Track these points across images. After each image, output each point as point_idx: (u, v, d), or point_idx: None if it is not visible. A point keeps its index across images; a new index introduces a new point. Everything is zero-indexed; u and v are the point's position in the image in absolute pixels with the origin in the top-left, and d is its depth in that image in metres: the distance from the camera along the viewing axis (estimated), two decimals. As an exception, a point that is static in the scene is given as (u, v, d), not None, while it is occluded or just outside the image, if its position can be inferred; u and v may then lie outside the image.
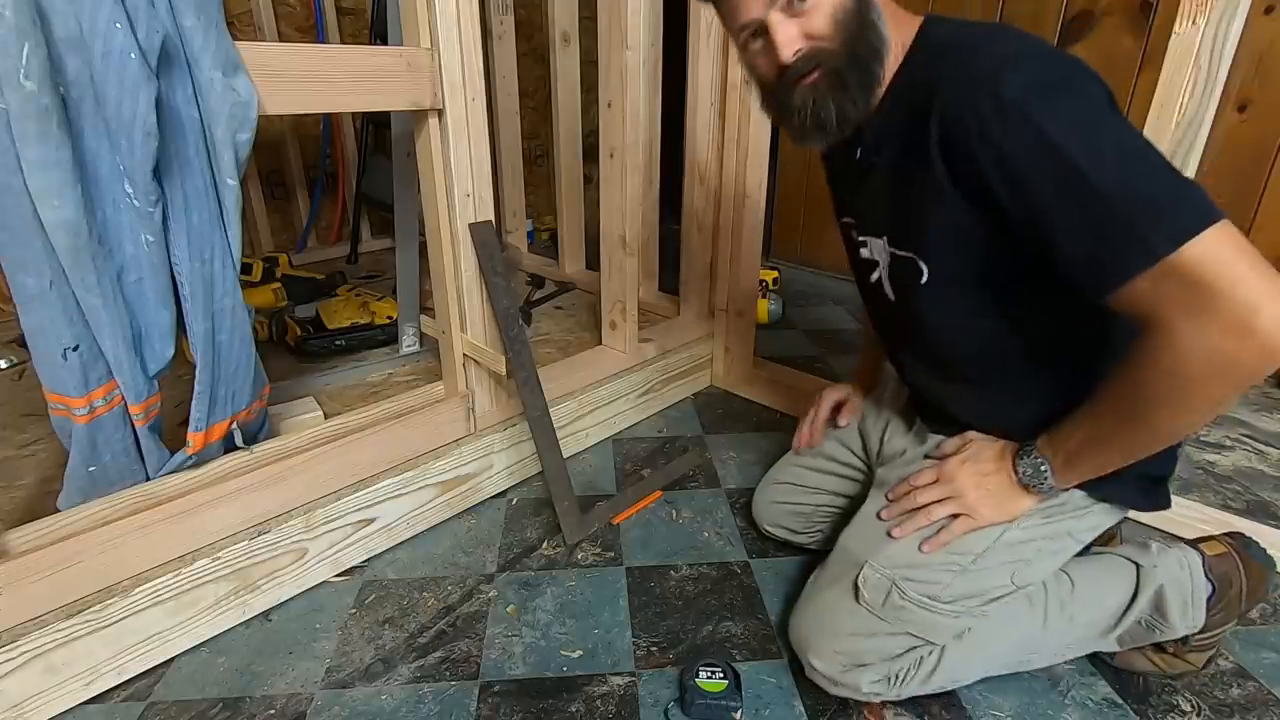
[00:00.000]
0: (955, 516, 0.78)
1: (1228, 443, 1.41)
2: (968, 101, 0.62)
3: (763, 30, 0.70)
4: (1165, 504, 0.81)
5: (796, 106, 0.71)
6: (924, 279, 0.74)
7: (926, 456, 0.87)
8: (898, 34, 0.71)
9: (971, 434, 0.83)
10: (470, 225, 1.05)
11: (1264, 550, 0.88)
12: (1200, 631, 0.84)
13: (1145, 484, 0.79)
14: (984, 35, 0.67)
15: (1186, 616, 0.82)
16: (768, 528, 1.10)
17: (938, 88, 0.65)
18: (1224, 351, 0.56)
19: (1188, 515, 1.12)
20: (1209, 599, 0.83)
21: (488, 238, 1.08)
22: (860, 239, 0.83)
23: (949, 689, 0.83)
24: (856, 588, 0.79)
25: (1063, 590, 0.83)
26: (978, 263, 0.71)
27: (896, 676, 0.79)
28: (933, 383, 0.87)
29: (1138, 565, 0.84)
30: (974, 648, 0.80)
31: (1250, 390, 1.65)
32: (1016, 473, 0.76)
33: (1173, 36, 0.91)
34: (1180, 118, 0.93)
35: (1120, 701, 0.85)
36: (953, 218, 0.68)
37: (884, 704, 0.83)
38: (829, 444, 1.06)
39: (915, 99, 0.68)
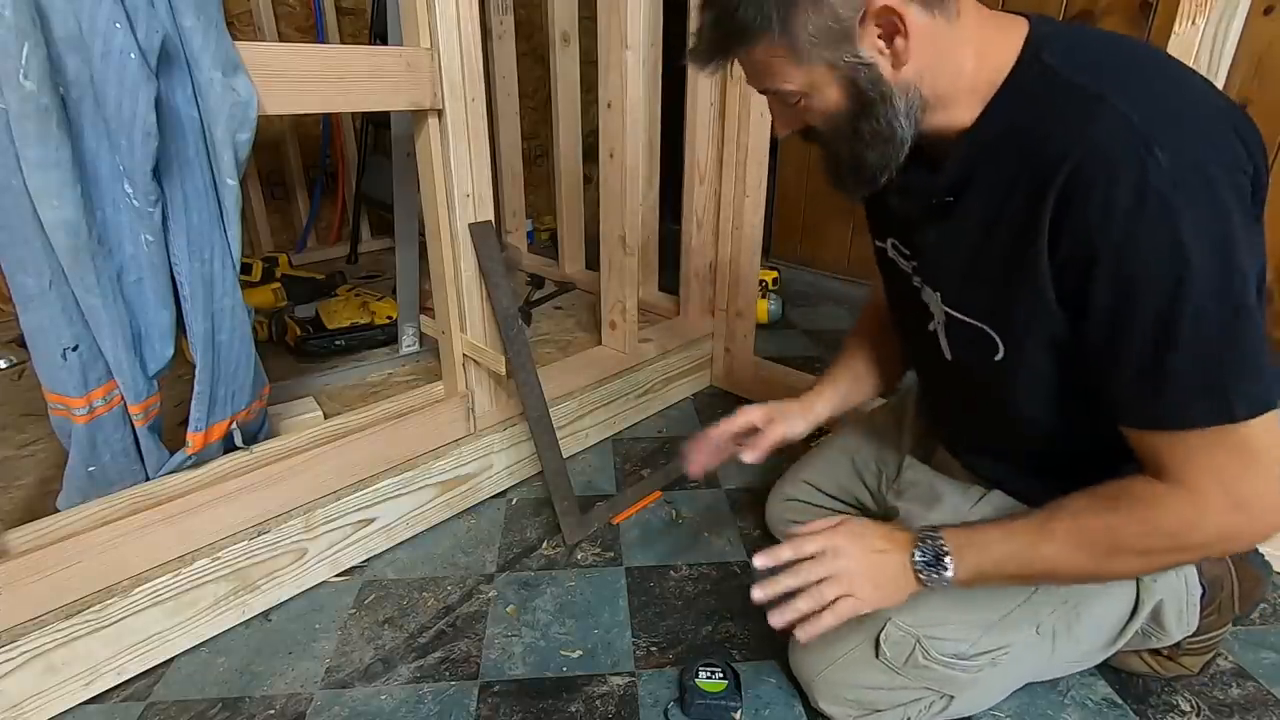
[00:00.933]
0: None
1: (1227, 443, 1.41)
2: (1102, 186, 0.53)
3: None
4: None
5: (821, 157, 0.68)
6: (999, 356, 0.67)
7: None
8: (993, 48, 0.60)
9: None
10: (470, 225, 1.05)
11: (1260, 555, 0.88)
12: (1193, 635, 0.83)
13: None
14: (1109, 71, 0.56)
15: (1181, 622, 0.81)
16: (778, 536, 1.10)
17: (1063, 153, 0.54)
18: (1235, 528, 0.57)
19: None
20: (1200, 599, 0.83)
21: (488, 238, 1.07)
22: (917, 281, 0.75)
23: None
24: (878, 644, 0.75)
25: (1070, 617, 0.80)
26: (1057, 356, 0.64)
27: (909, 718, 0.78)
28: (969, 439, 0.84)
29: (1137, 580, 0.81)
30: (986, 686, 0.79)
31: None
32: (912, 557, 0.69)
33: (1172, 36, 0.91)
34: (1180, 118, 0.93)
35: (1120, 701, 0.85)
36: (1043, 304, 0.60)
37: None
38: (843, 473, 1.00)
39: (1025, 146, 0.58)
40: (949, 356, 0.74)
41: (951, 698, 0.77)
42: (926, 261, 0.73)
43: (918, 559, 0.68)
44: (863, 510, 1.00)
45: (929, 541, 0.68)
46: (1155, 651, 0.85)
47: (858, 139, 0.62)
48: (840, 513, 1.00)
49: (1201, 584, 0.82)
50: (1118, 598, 0.81)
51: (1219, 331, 0.53)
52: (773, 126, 0.69)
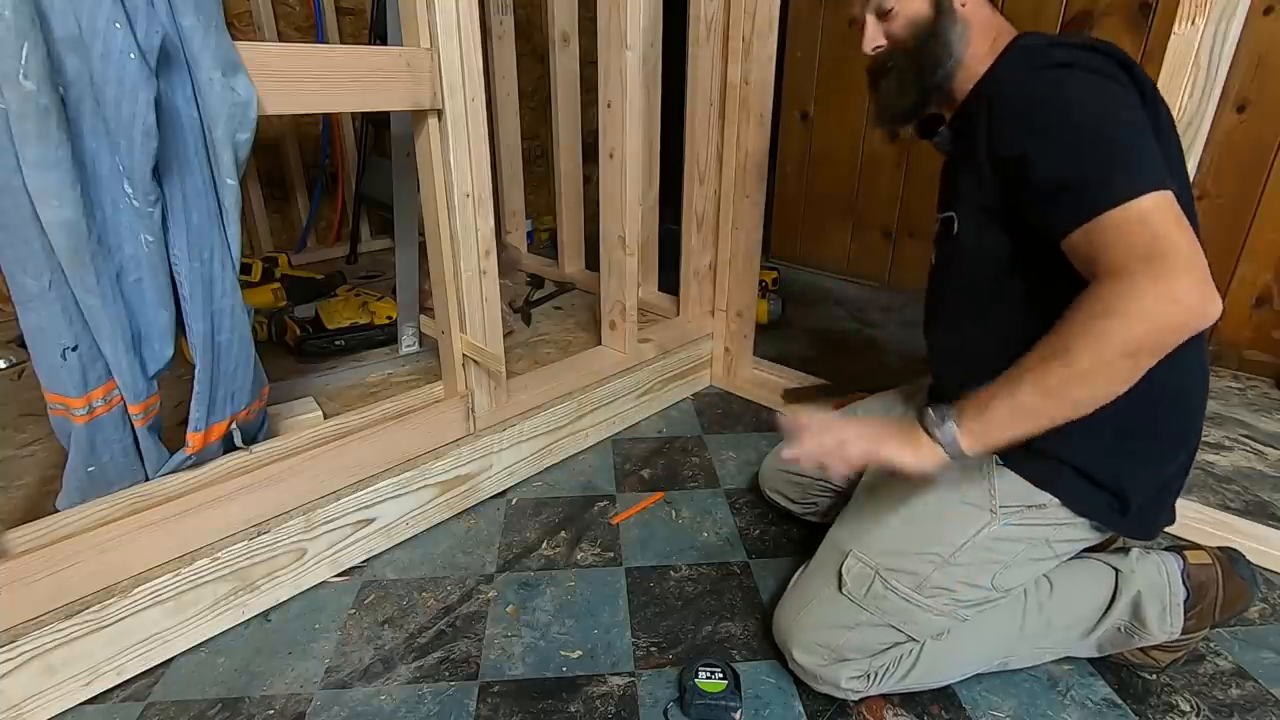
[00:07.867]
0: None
1: (1227, 443, 1.41)
2: (1013, 77, 0.75)
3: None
4: (1143, 534, 0.80)
5: (875, 95, 0.87)
6: (955, 229, 0.81)
7: None
8: (989, 43, 0.80)
9: None
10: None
11: (1251, 570, 0.88)
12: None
13: (1105, 496, 0.77)
14: (1056, 41, 0.76)
15: (1165, 622, 0.83)
16: (767, 492, 1.17)
17: (998, 78, 0.77)
18: (1155, 280, 0.61)
19: (1185, 515, 1.12)
20: (1184, 603, 0.83)
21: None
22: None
23: (926, 689, 0.84)
24: (840, 576, 0.81)
25: (1041, 594, 0.84)
26: (998, 231, 0.77)
27: (875, 674, 0.80)
28: (947, 359, 0.92)
29: (1116, 570, 0.85)
30: (951, 649, 0.81)
31: (1250, 391, 1.65)
32: (924, 416, 0.73)
33: (1172, 36, 0.91)
34: (1180, 118, 0.93)
35: (1120, 702, 0.85)
36: (979, 181, 0.76)
37: (884, 705, 0.84)
38: None
39: (983, 95, 0.78)
40: (934, 259, 0.89)
41: (919, 652, 0.79)
42: (942, 189, 0.90)
43: (930, 416, 0.72)
44: None
45: (938, 410, 0.72)
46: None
47: (927, 49, 0.81)
48: None
49: (1187, 587, 0.84)
50: (1095, 579, 0.85)
51: (1092, 140, 0.66)
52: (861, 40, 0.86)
